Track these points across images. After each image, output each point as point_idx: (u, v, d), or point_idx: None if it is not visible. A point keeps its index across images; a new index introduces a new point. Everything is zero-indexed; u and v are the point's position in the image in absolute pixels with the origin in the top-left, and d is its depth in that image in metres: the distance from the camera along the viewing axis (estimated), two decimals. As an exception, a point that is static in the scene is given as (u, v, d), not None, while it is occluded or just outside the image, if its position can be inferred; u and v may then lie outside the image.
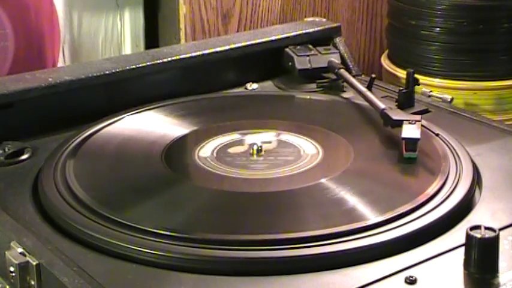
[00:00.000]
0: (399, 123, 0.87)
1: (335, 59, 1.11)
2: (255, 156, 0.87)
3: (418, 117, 0.88)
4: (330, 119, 0.97)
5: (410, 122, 0.86)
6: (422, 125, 0.88)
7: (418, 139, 0.84)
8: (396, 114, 0.90)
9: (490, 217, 0.75)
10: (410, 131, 0.85)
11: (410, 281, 0.65)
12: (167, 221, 0.74)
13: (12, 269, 0.71)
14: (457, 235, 0.71)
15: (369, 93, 0.98)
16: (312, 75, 1.10)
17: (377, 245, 0.69)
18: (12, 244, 0.72)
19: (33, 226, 0.75)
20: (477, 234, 0.64)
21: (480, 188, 0.81)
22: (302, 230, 0.71)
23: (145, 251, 0.69)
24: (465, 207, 0.77)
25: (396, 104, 1.00)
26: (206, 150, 0.88)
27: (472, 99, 1.32)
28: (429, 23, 1.34)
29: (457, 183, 0.79)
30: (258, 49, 1.13)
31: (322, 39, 1.16)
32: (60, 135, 0.94)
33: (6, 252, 0.72)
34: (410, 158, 0.84)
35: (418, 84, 1.01)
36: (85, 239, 0.72)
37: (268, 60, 1.14)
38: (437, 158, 0.84)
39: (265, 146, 0.88)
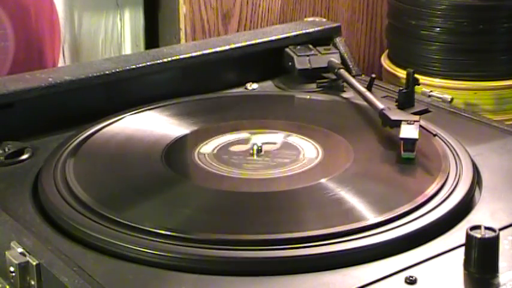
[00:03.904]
0: (398, 124, 0.87)
1: (335, 59, 1.11)
2: (255, 156, 0.87)
3: (416, 117, 0.88)
4: (330, 119, 0.97)
5: (408, 122, 0.86)
6: (421, 125, 0.88)
7: (416, 139, 0.84)
8: (395, 115, 0.90)
9: (490, 217, 0.75)
10: (408, 131, 0.85)
11: (410, 281, 0.65)
12: (167, 221, 0.74)
13: (12, 269, 0.71)
14: (457, 235, 0.71)
15: (368, 94, 0.98)
16: (312, 75, 1.10)
17: (377, 245, 0.69)
18: (12, 244, 0.72)
19: (33, 226, 0.75)
20: (477, 234, 0.64)
21: (480, 188, 0.81)
22: (302, 230, 0.71)
23: (145, 251, 0.69)
24: (465, 207, 0.77)
25: (396, 104, 1.00)
26: (206, 150, 0.88)
27: (472, 99, 1.32)
28: (429, 23, 1.34)
29: (457, 183, 0.79)
30: (258, 49, 1.13)
31: (322, 39, 1.16)
32: (60, 135, 0.94)
33: (6, 252, 0.72)
34: (409, 158, 0.84)
35: (418, 84, 1.01)
36: (85, 239, 0.72)
37: (268, 60, 1.14)
38: (437, 158, 0.84)
39: (265, 146, 0.88)
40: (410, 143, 0.84)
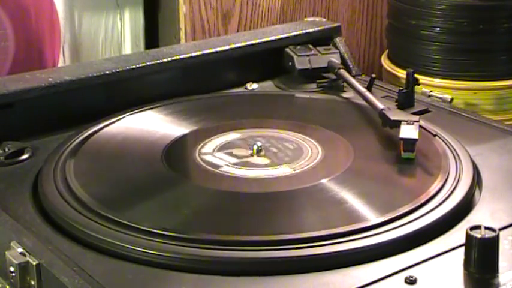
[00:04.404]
0: (397, 124, 0.87)
1: (335, 59, 1.11)
2: (255, 156, 0.87)
3: (416, 117, 0.88)
4: (330, 119, 0.97)
5: (408, 123, 0.86)
6: (421, 126, 0.88)
7: (416, 139, 0.84)
8: (394, 115, 0.90)
9: (490, 217, 0.75)
10: (408, 131, 0.85)
11: (410, 281, 0.65)
12: (167, 221, 0.74)
13: (12, 269, 0.71)
14: (457, 235, 0.71)
15: (368, 94, 0.98)
16: (312, 75, 1.10)
17: (377, 245, 0.69)
18: (12, 244, 0.72)
19: (33, 226, 0.75)
20: (477, 234, 0.64)
21: (480, 188, 0.81)
22: (302, 230, 0.71)
23: (145, 251, 0.69)
24: (465, 207, 0.77)
25: (396, 104, 1.00)
26: (206, 150, 0.88)
27: (472, 99, 1.32)
28: (429, 23, 1.34)
29: (457, 183, 0.79)
30: (258, 49, 1.13)
31: (322, 39, 1.17)
32: (60, 135, 0.94)
33: (6, 252, 0.72)
34: (409, 159, 0.84)
35: (418, 84, 1.01)
36: (85, 239, 0.72)
37: (268, 60, 1.14)
38: (438, 158, 0.84)
39: (265, 146, 0.88)
40: (410, 143, 0.84)
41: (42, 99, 0.96)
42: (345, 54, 1.15)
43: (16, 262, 0.70)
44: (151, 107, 1.00)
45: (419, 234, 0.71)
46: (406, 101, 1.00)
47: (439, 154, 0.85)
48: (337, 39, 1.17)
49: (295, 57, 1.11)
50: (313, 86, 1.09)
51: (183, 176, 0.84)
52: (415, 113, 0.95)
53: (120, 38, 1.43)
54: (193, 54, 1.07)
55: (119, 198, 0.79)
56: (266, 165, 0.84)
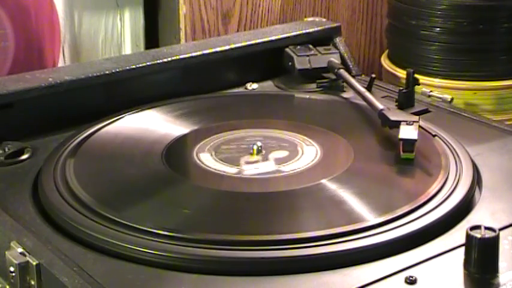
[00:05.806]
0: (397, 124, 0.87)
1: (335, 59, 1.11)
2: (255, 156, 0.87)
3: (415, 117, 0.88)
4: (330, 119, 0.97)
5: (407, 123, 0.86)
6: (420, 126, 0.88)
7: (415, 140, 0.84)
8: (394, 115, 0.90)
9: (490, 217, 0.75)
10: (407, 131, 0.85)
11: (410, 281, 0.65)
12: (167, 221, 0.74)
13: (12, 269, 0.71)
14: (457, 235, 0.71)
15: (367, 94, 0.98)
16: (312, 75, 1.10)
17: (377, 245, 0.69)
18: (12, 244, 0.72)
19: (33, 226, 0.75)
20: (477, 234, 0.64)
21: (480, 188, 0.81)
22: (302, 230, 0.71)
23: (145, 251, 0.69)
24: (465, 207, 0.77)
25: (396, 104, 1.00)
26: (206, 150, 0.88)
27: (472, 99, 1.32)
28: (429, 23, 1.34)
29: (457, 183, 0.79)
30: (258, 49, 1.13)
31: (322, 39, 1.16)
32: (60, 135, 0.94)
33: (6, 252, 0.72)
34: (408, 159, 0.84)
35: (418, 84, 1.01)
36: (85, 239, 0.72)
37: (268, 60, 1.14)
38: (438, 158, 0.84)
39: (265, 146, 0.88)
40: (409, 143, 0.84)
41: (42, 99, 0.96)
42: (345, 54, 1.15)
43: (16, 262, 0.70)
44: (151, 107, 1.00)
45: (419, 234, 0.71)
46: (406, 101, 1.00)
47: (439, 154, 0.85)
48: (337, 39, 1.17)
49: (295, 57, 1.11)
50: (313, 86, 1.09)
51: (183, 176, 0.84)
52: (415, 113, 0.95)
53: (120, 38, 1.43)
54: (193, 54, 1.07)
55: (119, 198, 0.79)
56: (266, 165, 0.84)
